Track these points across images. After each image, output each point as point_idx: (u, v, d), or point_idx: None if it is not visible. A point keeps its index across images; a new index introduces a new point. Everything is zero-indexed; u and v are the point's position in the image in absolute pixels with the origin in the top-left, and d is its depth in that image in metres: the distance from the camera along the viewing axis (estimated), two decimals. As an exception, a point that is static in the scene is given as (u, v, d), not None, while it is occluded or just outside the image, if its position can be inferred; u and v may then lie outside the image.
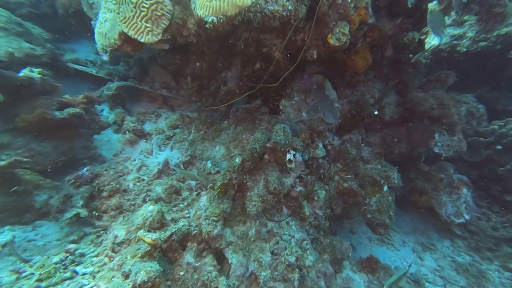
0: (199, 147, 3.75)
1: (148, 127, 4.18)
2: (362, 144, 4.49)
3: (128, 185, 3.42)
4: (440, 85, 4.07)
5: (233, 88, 4.01)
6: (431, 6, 4.09)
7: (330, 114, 4.04)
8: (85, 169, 3.50)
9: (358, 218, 4.71)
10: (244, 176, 3.30)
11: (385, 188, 3.98)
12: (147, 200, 3.31)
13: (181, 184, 3.53)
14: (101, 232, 3.32)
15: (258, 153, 3.21)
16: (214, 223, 3.03)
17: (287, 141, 3.24)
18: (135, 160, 3.66)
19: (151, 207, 2.89)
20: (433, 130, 4.18)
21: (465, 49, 5.64)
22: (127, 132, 3.95)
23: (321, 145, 3.81)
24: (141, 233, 2.77)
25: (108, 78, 4.66)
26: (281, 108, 3.93)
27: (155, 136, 3.93)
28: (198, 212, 3.24)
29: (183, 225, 3.00)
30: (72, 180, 3.41)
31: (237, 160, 3.24)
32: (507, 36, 5.15)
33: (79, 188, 3.42)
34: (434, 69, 5.83)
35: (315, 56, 3.22)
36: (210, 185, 3.31)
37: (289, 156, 3.41)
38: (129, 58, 4.95)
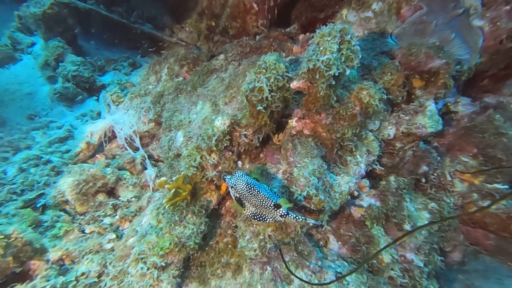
0: (170, 105, 1.96)
1: (108, 78, 2.57)
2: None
3: (4, 173, 1.79)
4: None
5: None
6: None
7: (459, 39, 1.76)
8: None
9: (476, 265, 2.63)
10: (238, 163, 1.42)
11: None
12: (35, 206, 1.66)
13: (125, 174, 1.77)
14: None
15: (270, 106, 1.25)
16: (157, 274, 1.23)
17: (345, 72, 1.18)
18: (60, 128, 2.06)
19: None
20: None
21: None
22: (60, 79, 2.36)
23: (432, 106, 1.59)
24: None
25: None
26: (339, 25, 1.84)
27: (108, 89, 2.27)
28: (129, 241, 1.47)
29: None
30: None
31: (218, 122, 1.36)
32: None
33: None
34: None
35: None
36: (161, 179, 1.47)
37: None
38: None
